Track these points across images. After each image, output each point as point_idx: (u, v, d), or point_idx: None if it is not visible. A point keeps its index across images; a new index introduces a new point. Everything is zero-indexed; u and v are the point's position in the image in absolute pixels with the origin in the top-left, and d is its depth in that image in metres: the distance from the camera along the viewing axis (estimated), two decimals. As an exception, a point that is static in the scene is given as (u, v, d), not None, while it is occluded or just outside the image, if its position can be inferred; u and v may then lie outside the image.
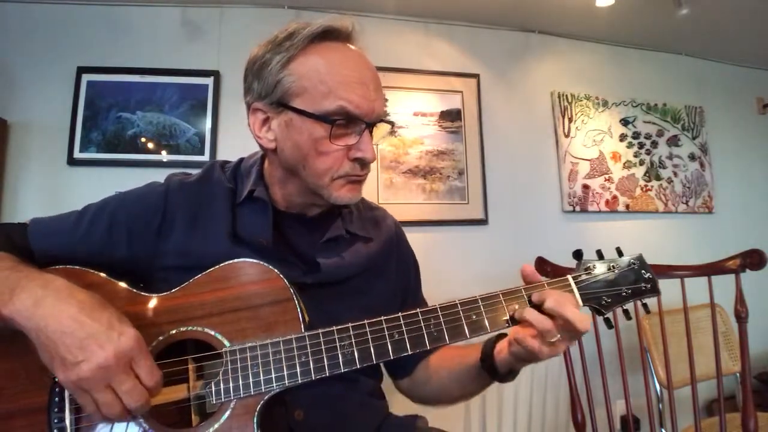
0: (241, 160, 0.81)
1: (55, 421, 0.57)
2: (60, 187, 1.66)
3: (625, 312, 0.70)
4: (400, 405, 0.91)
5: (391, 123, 0.75)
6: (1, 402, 0.57)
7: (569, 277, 0.68)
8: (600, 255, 0.72)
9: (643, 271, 0.70)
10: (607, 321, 0.69)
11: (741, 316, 1.17)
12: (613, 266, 0.70)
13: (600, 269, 0.69)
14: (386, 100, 0.72)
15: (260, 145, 0.74)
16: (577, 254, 0.71)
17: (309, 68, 0.65)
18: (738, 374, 1.63)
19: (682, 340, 1.25)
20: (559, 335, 0.61)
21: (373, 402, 0.77)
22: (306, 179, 0.69)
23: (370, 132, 0.68)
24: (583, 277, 0.68)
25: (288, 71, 0.66)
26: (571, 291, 0.67)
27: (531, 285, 0.66)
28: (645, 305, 0.73)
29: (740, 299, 1.18)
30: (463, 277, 1.89)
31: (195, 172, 0.79)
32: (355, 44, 0.70)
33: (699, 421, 1.18)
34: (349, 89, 0.65)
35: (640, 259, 0.71)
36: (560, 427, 1.91)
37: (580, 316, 0.60)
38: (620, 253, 0.72)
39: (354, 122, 0.66)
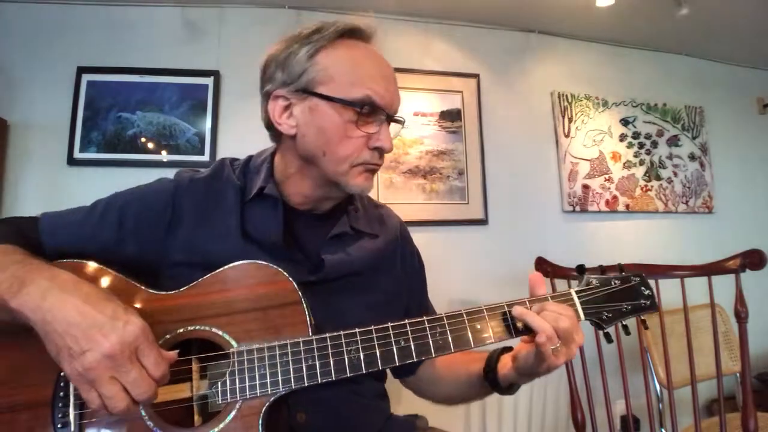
0: (250, 157, 0.81)
1: (59, 415, 0.57)
2: (60, 187, 1.66)
3: (624, 327, 0.72)
4: (398, 402, 0.91)
5: (403, 121, 0.78)
6: (6, 394, 0.57)
7: (572, 291, 0.70)
8: (602, 270, 0.74)
9: (643, 288, 0.72)
10: (607, 336, 0.70)
11: (741, 316, 1.17)
12: (615, 282, 0.71)
13: (602, 284, 0.71)
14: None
15: (277, 134, 0.74)
16: (580, 269, 0.73)
17: (336, 59, 0.69)
18: (738, 374, 1.63)
19: (682, 340, 1.25)
20: (559, 343, 0.62)
21: (375, 404, 0.77)
22: (325, 166, 0.70)
23: (388, 125, 0.72)
24: (586, 291, 0.70)
25: (315, 61, 0.69)
26: (574, 305, 0.68)
27: (534, 298, 0.68)
28: (644, 321, 0.74)
29: (740, 299, 1.18)
30: (463, 277, 1.89)
31: (204, 169, 0.79)
32: (374, 45, 0.74)
33: (699, 421, 1.18)
34: (374, 81, 0.69)
35: (640, 276, 0.73)
36: (560, 427, 1.91)
37: (575, 327, 0.62)
38: (621, 269, 0.74)
39: (376, 112, 0.69)
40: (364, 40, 0.73)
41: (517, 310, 0.65)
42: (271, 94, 0.71)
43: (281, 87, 0.70)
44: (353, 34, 0.71)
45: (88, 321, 0.51)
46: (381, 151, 0.71)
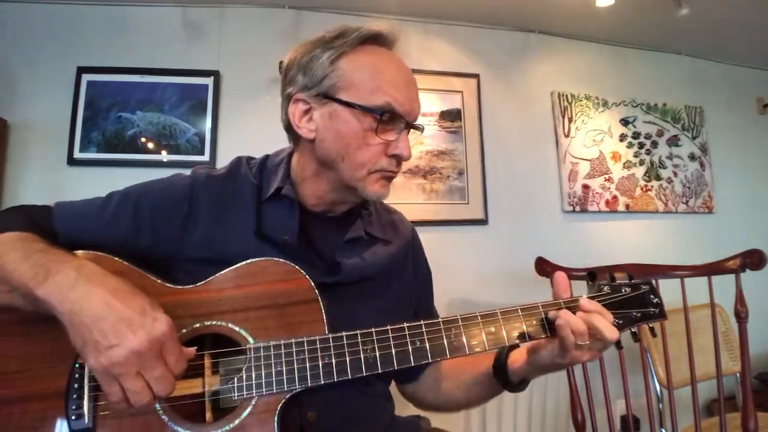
0: (267, 156, 0.81)
1: (73, 407, 0.56)
2: (60, 187, 1.66)
3: (633, 334, 0.72)
4: (405, 406, 0.91)
5: (422, 128, 0.77)
6: (17, 385, 0.57)
7: (584, 297, 0.70)
8: (612, 278, 0.74)
9: (652, 296, 0.72)
10: (617, 342, 0.70)
11: (741, 316, 1.17)
12: (625, 289, 0.72)
13: (613, 291, 0.71)
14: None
15: (295, 136, 0.74)
16: (591, 276, 0.73)
17: (359, 65, 0.69)
18: (738, 374, 1.63)
19: (682, 340, 1.25)
20: (588, 341, 0.62)
21: (382, 404, 0.77)
22: (343, 172, 0.70)
23: (407, 133, 0.72)
24: (597, 298, 0.70)
25: (337, 66, 0.69)
26: None
27: (548, 303, 0.68)
28: (652, 329, 0.75)
29: (740, 299, 1.18)
30: (463, 277, 1.89)
31: (219, 167, 0.79)
32: (396, 52, 0.75)
33: (699, 421, 1.18)
34: (395, 89, 0.69)
35: (650, 283, 0.74)
36: (560, 427, 1.91)
37: (609, 326, 0.62)
38: (631, 277, 0.74)
39: (396, 119, 0.69)
40: (387, 47, 0.73)
41: (554, 313, 0.65)
42: (292, 97, 0.71)
43: (302, 91, 0.70)
44: (376, 40, 0.72)
45: (117, 315, 0.51)
46: (399, 159, 0.71)
